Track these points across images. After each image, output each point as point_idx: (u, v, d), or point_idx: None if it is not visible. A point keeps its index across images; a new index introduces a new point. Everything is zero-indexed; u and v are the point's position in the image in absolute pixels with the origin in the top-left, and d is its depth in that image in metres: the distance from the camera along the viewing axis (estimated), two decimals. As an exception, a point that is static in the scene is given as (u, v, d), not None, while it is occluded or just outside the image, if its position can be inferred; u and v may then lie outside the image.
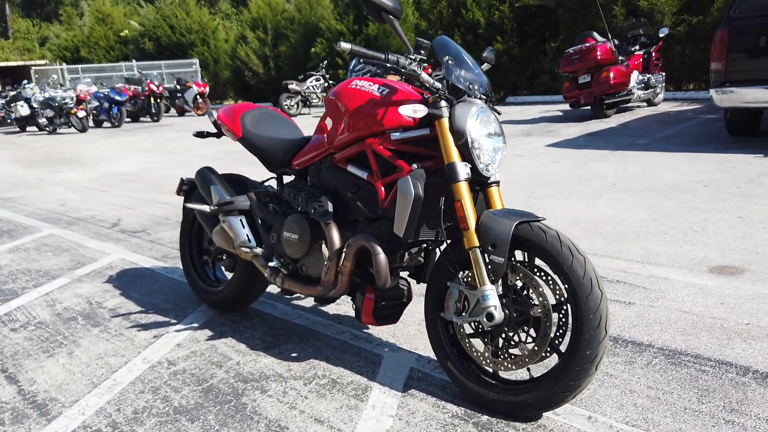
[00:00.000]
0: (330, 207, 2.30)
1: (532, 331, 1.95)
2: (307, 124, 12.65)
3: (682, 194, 4.77)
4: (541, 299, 1.88)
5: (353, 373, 2.33)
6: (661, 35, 10.29)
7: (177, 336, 2.78)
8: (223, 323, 2.90)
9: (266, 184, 2.84)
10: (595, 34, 9.85)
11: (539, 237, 1.89)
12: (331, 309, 2.98)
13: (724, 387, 2.07)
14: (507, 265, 1.91)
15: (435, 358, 2.39)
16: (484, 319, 1.92)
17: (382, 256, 2.12)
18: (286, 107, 15.42)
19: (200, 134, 3.00)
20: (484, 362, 2.02)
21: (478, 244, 1.94)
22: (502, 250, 1.89)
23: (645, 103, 10.92)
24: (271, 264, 2.51)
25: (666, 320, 2.62)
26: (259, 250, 2.57)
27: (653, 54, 10.39)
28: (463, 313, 2.01)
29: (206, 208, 2.72)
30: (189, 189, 3.14)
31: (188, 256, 3.16)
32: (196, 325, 2.90)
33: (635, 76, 9.82)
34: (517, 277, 1.95)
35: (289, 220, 2.46)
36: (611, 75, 9.21)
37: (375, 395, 2.16)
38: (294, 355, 2.52)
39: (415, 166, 2.07)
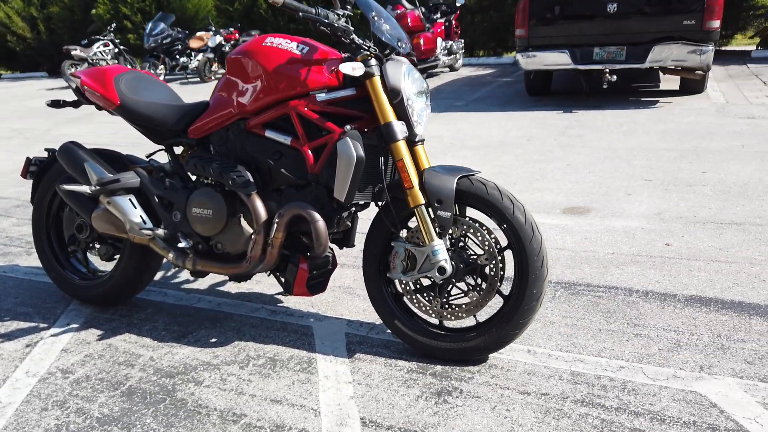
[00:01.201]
0: (250, 176, 2.14)
1: (476, 279, 2.05)
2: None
3: (513, 148, 5.28)
4: (486, 247, 1.99)
5: (289, 348, 2.24)
6: (458, 4, 11.08)
7: (56, 341, 2.39)
8: (111, 319, 2.56)
9: (151, 158, 2.53)
10: (404, 2, 10.26)
11: (481, 189, 1.98)
12: (231, 288, 2.80)
13: (620, 307, 2.40)
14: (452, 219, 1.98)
15: (365, 321, 2.40)
16: (437, 273, 1.98)
17: (321, 223, 2.05)
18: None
19: (56, 103, 2.56)
20: (433, 315, 2.08)
21: (423, 202, 1.98)
22: (448, 204, 1.96)
23: (448, 69, 11.73)
24: (180, 245, 2.27)
25: (549, 258, 2.93)
26: (161, 232, 2.30)
27: (453, 22, 11.16)
28: (411, 271, 2.04)
29: (85, 188, 2.34)
30: (40, 170, 2.67)
31: (48, 248, 2.71)
32: (75, 326, 2.52)
33: (440, 43, 10.48)
34: (460, 230, 2.02)
35: (196, 194, 2.24)
36: (422, 42, 9.70)
37: (323, 366, 2.11)
38: (213, 340, 2.33)
39: (348, 127, 2.01)
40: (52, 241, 2.72)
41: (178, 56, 13.17)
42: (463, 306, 2.04)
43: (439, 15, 10.95)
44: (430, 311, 2.08)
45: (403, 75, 2.01)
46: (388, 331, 2.32)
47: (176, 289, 2.83)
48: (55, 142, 7.09)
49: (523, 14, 7.02)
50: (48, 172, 2.67)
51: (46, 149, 2.72)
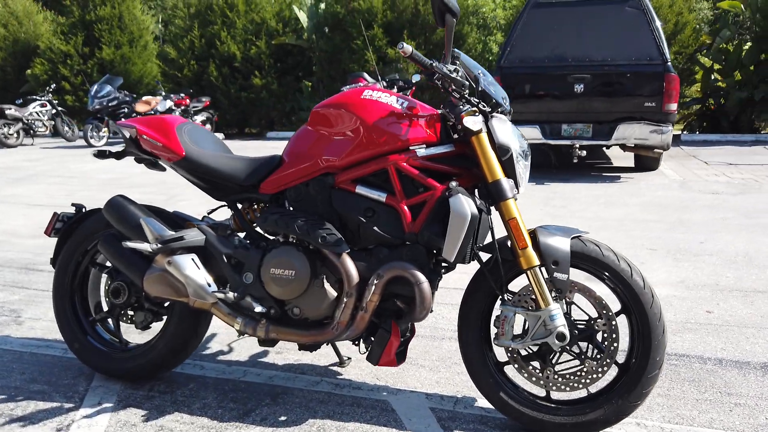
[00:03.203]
0: (340, 235, 1.98)
1: (586, 346, 1.94)
2: (40, 155, 10.79)
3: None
4: (603, 312, 1.90)
5: (375, 426, 2.02)
6: (414, 81, 11.44)
7: (93, 424, 2.05)
8: (149, 397, 2.24)
9: (204, 216, 2.31)
10: (366, 75, 10.44)
11: (595, 251, 1.91)
12: (276, 359, 2.54)
13: (702, 375, 2.35)
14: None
15: (445, 394, 2.23)
16: (555, 340, 1.86)
17: (426, 285, 1.90)
18: (3, 137, 12.83)
19: (102, 154, 2.32)
20: (543, 386, 1.94)
21: (538, 263, 1.88)
22: (565, 266, 1.87)
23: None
24: (257, 310, 2.04)
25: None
26: (231, 295, 2.06)
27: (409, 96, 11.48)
28: (521, 337, 1.91)
29: (146, 246, 2.08)
30: (67, 227, 2.38)
31: (71, 316, 2.38)
32: (109, 405, 2.18)
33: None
34: (572, 293, 1.93)
35: (276, 254, 2.04)
36: (384, 113, 9.88)
37: (423, 445, 1.90)
38: (283, 419, 2.07)
39: (453, 183, 1.92)
40: (77, 308, 2.40)
41: (123, 119, 12.72)
42: (579, 376, 1.92)
43: (395, 89, 11.23)
44: (542, 382, 1.93)
45: (512, 132, 1.96)
46: (477, 404, 2.15)
47: (212, 361, 2.54)
48: (3, 201, 6.53)
49: (495, 91, 7.29)
50: (75, 231, 2.38)
51: (73, 204, 2.45)
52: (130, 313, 2.35)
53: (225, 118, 14.38)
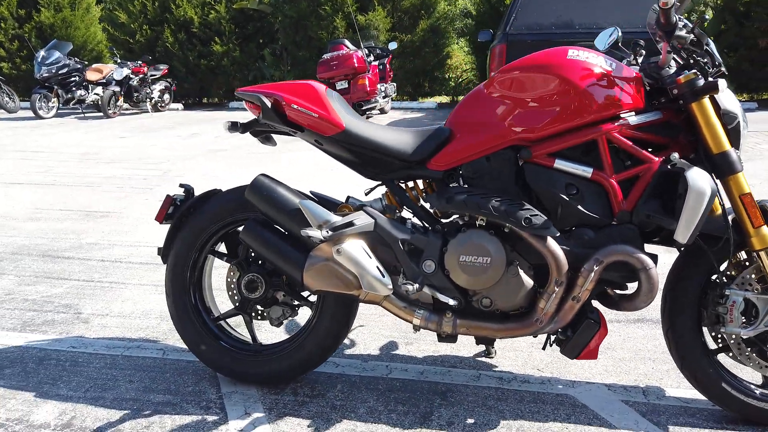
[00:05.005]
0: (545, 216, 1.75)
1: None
2: (-6, 128, 9.84)
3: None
4: (834, 294, 1.76)
5: (581, 426, 1.82)
6: (391, 48, 11.14)
7: (254, 440, 1.76)
8: (301, 402, 1.95)
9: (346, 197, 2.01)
10: (347, 42, 10.05)
11: (824, 228, 1.76)
12: (411, 351, 2.29)
13: None
14: (800, 262, 1.74)
15: (627, 384, 2.05)
16: (798, 327, 1.71)
17: (654, 270, 1.71)
18: (-64, 107, 11.63)
19: (234, 127, 1.96)
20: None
21: (771, 243, 1.71)
22: (801, 246, 1.72)
23: (379, 111, 11.63)
24: (450, 302, 1.78)
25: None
26: (415, 287, 1.78)
27: (387, 66, 11.14)
28: (754, 323, 1.75)
29: (318, 233, 1.77)
30: (185, 212, 2.03)
31: (194, 315, 2.04)
32: (260, 414, 1.88)
33: (379, 85, 10.38)
34: (797, 273, 1.78)
35: (464, 238, 1.78)
36: (367, 83, 9.53)
37: (648, 444, 1.73)
38: (471, 421, 1.84)
39: (675, 155, 1.72)
40: (198, 306, 2.06)
41: (74, 88, 11.73)
42: (807, 361, 1.78)
43: (372, 58, 10.87)
44: (768, 369, 1.79)
45: (734, 97, 1.77)
46: (668, 394, 1.99)
47: (341, 356, 2.26)
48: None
49: (499, 58, 7.09)
50: (191, 217, 2.03)
51: (181, 185, 2.09)
52: (259, 308, 2.05)
53: (183, 87, 13.55)
